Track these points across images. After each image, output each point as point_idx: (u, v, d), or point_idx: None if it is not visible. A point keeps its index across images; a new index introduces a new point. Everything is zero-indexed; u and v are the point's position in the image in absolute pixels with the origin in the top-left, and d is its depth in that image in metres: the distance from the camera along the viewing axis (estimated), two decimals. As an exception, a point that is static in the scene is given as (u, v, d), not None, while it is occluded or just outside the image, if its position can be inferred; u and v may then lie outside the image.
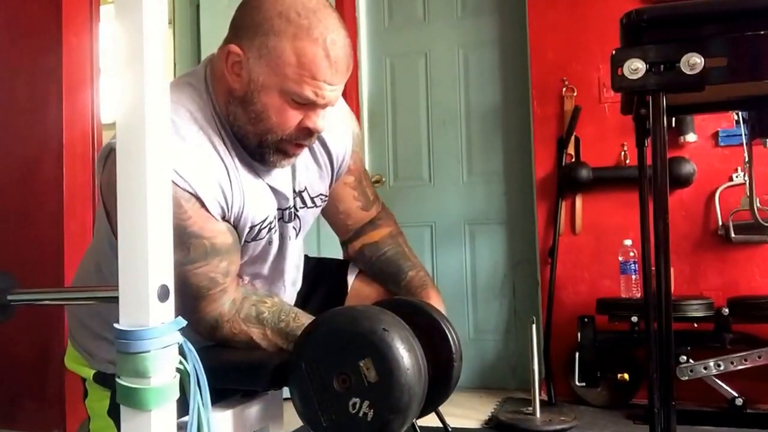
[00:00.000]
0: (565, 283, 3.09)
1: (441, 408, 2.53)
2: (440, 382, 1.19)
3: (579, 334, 2.83)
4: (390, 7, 3.63)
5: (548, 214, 3.15)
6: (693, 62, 1.30)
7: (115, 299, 0.72)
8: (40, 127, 2.65)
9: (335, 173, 1.34)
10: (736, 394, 2.59)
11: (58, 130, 2.62)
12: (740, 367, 2.52)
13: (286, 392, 1.22)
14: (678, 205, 2.92)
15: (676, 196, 2.93)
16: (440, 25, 3.53)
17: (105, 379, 1.24)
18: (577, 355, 2.84)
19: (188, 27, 3.32)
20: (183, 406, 0.77)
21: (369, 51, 3.65)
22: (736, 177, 2.87)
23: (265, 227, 1.21)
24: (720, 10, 1.36)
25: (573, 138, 3.08)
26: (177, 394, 0.75)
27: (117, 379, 0.72)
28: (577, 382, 2.84)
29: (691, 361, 2.56)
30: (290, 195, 1.26)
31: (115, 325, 0.72)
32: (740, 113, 2.39)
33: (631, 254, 2.84)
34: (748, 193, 2.50)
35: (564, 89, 3.13)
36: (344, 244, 1.47)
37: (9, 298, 0.96)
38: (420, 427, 2.38)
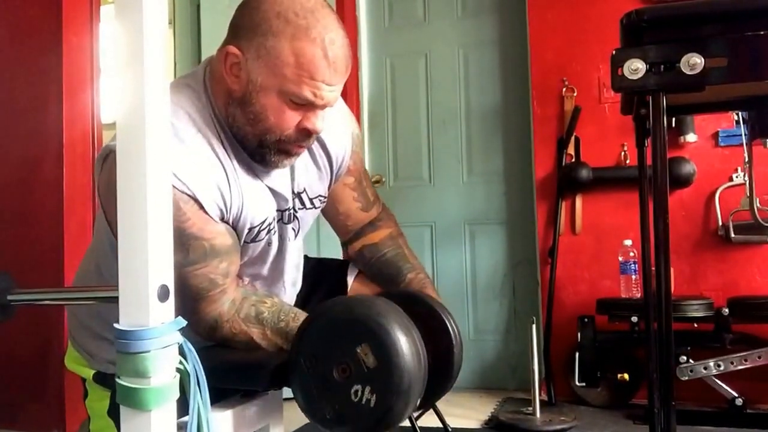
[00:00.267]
0: (565, 283, 3.09)
1: (441, 408, 2.54)
2: (441, 372, 1.18)
3: (579, 334, 2.83)
4: (390, 7, 3.63)
5: (548, 214, 3.15)
6: (693, 62, 1.30)
7: (115, 299, 0.72)
8: (41, 127, 2.65)
9: (334, 174, 1.34)
10: (736, 394, 2.59)
11: (58, 130, 2.62)
12: (740, 367, 2.52)
13: (286, 392, 1.22)
14: (678, 205, 2.92)
15: (676, 196, 2.93)
16: (440, 25, 3.53)
17: (105, 379, 1.24)
18: (577, 355, 2.84)
19: (188, 27, 3.32)
20: (183, 406, 0.77)
21: (369, 51, 3.65)
22: (736, 177, 2.87)
23: (264, 229, 1.21)
24: (720, 10, 1.36)
25: (573, 138, 3.08)
26: (177, 394, 0.75)
27: (117, 379, 0.72)
28: (577, 382, 2.84)
29: (691, 361, 2.56)
30: (289, 196, 1.25)
31: (115, 325, 0.72)
32: (740, 113, 2.39)
33: (631, 254, 2.84)
34: (748, 194, 2.50)
35: (564, 89, 3.13)
36: (344, 244, 1.47)
37: (9, 298, 0.96)
38: (420, 427, 2.38)
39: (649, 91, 1.35)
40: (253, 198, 1.17)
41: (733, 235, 2.79)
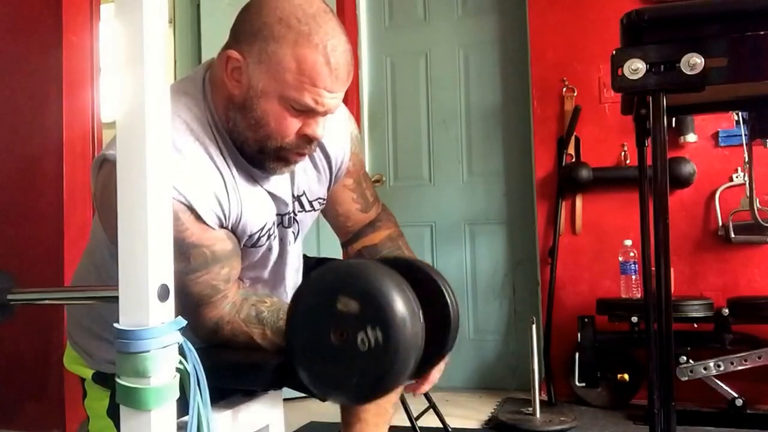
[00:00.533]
0: (565, 283, 3.09)
1: (441, 408, 2.54)
2: (439, 337, 1.16)
3: (579, 335, 2.83)
4: (390, 6, 3.63)
5: (548, 214, 3.15)
6: (693, 62, 1.31)
7: (115, 299, 0.72)
8: (40, 126, 2.65)
9: (334, 177, 1.33)
10: (736, 395, 2.59)
11: (58, 129, 2.62)
12: (740, 368, 2.52)
13: (286, 392, 1.22)
14: (678, 206, 2.92)
15: (677, 196, 2.93)
16: (440, 25, 3.53)
17: (104, 379, 1.24)
18: (577, 355, 2.84)
19: (188, 26, 3.32)
20: (183, 406, 0.77)
21: (369, 51, 3.65)
22: (736, 177, 2.87)
23: (264, 234, 1.21)
24: (720, 10, 1.36)
25: (573, 138, 3.08)
26: (177, 394, 0.75)
27: (117, 379, 0.72)
28: (577, 383, 2.84)
29: (691, 361, 2.56)
30: (289, 200, 1.25)
31: (115, 325, 0.71)
32: (740, 113, 2.40)
33: (631, 254, 2.84)
34: (748, 194, 2.50)
35: (564, 89, 3.13)
36: (344, 245, 1.47)
37: (9, 297, 0.96)
38: (420, 427, 2.38)
39: (649, 91, 1.36)
40: (253, 204, 1.17)
41: (733, 236, 2.79)
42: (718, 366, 2.53)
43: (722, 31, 1.33)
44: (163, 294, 0.72)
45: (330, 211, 1.40)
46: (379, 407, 1.34)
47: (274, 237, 1.24)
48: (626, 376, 2.76)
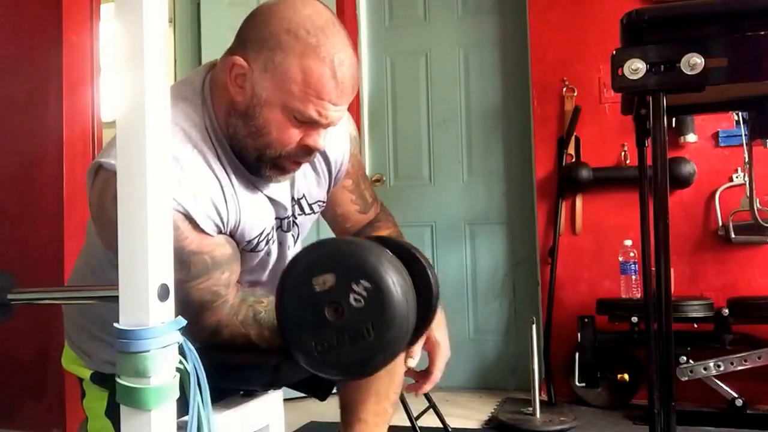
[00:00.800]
0: (565, 283, 3.09)
1: (441, 408, 2.54)
2: (423, 308, 1.15)
3: (579, 335, 2.83)
4: (390, 6, 3.63)
5: (548, 214, 3.15)
6: (693, 62, 1.31)
7: (115, 299, 0.72)
8: (40, 126, 2.65)
9: (333, 179, 1.33)
10: (736, 395, 2.59)
11: (58, 129, 2.62)
12: (740, 368, 2.52)
13: (286, 392, 1.22)
14: (678, 206, 2.92)
15: (677, 196, 2.93)
16: (441, 24, 3.53)
17: (102, 380, 1.24)
18: (577, 355, 2.84)
19: (189, 25, 3.32)
20: (183, 406, 0.77)
21: (369, 50, 3.65)
22: (736, 177, 2.87)
23: (263, 239, 1.20)
24: (720, 10, 1.36)
25: (573, 138, 3.08)
26: (177, 394, 0.75)
27: (117, 379, 0.72)
28: (577, 383, 2.84)
29: (691, 361, 2.56)
30: (288, 204, 1.25)
31: (115, 325, 0.71)
32: (740, 113, 2.40)
33: (631, 254, 2.84)
34: (748, 194, 2.50)
35: (564, 89, 3.13)
36: None
37: (9, 297, 0.96)
38: (420, 427, 2.38)
39: (650, 91, 1.36)
40: (251, 210, 1.17)
41: (733, 236, 2.79)
42: (718, 366, 2.53)
43: (722, 31, 1.33)
44: (163, 294, 0.72)
45: (329, 212, 1.40)
46: (378, 407, 1.34)
47: (273, 241, 1.24)
48: (626, 376, 2.76)
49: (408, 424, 2.35)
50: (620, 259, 2.87)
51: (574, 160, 3.09)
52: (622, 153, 3.04)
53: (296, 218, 1.29)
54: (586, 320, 2.82)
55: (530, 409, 2.68)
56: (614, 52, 1.38)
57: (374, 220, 1.45)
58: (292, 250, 1.31)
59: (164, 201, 0.73)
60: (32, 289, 1.02)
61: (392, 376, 1.34)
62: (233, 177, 1.15)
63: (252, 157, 1.14)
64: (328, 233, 1.50)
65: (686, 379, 2.55)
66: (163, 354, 0.72)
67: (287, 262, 1.29)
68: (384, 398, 1.34)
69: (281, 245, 1.27)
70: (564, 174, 3.06)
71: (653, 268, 1.45)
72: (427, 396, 2.44)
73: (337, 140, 1.30)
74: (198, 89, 1.17)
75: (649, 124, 1.37)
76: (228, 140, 1.15)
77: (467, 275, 3.42)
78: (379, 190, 3.46)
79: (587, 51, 3.09)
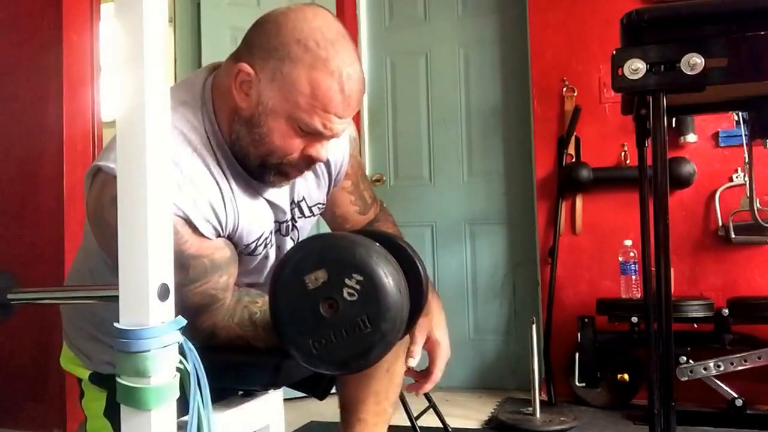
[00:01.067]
0: (565, 283, 3.09)
1: (441, 408, 2.54)
2: (414, 302, 1.16)
3: (579, 335, 2.83)
4: (390, 6, 3.63)
5: (548, 214, 3.15)
6: (693, 62, 1.31)
7: (115, 298, 0.72)
8: (41, 125, 2.65)
9: (333, 181, 1.33)
10: (736, 395, 2.59)
11: (58, 128, 2.62)
12: (740, 368, 2.52)
13: (286, 392, 1.22)
14: (678, 206, 2.92)
15: (677, 196, 2.93)
16: (441, 24, 3.53)
17: (101, 380, 1.24)
18: (577, 355, 2.84)
19: (189, 25, 3.32)
20: (183, 406, 0.77)
21: (369, 50, 3.65)
22: (736, 177, 2.87)
23: (261, 243, 1.20)
24: (720, 10, 1.36)
25: (573, 138, 3.08)
26: (177, 394, 0.75)
27: (117, 379, 0.72)
28: (577, 383, 2.84)
29: (690, 361, 2.56)
30: (287, 207, 1.25)
31: (116, 325, 0.71)
32: (740, 114, 2.40)
33: (632, 254, 2.84)
34: (748, 194, 2.50)
35: (564, 89, 3.13)
36: None
37: (9, 297, 0.96)
38: (420, 427, 2.38)
39: (650, 92, 1.36)
40: (250, 215, 1.17)
41: (733, 236, 2.79)
42: (718, 366, 2.53)
43: (722, 31, 1.33)
44: (163, 293, 0.72)
45: (328, 213, 1.40)
46: (378, 407, 1.34)
47: (271, 245, 1.24)
48: (626, 376, 2.76)
49: (408, 423, 2.35)
50: (620, 259, 2.87)
51: (574, 160, 3.09)
52: (622, 153, 3.04)
53: (296, 221, 1.28)
54: (586, 320, 2.82)
55: (530, 409, 2.68)
56: (614, 52, 1.38)
57: (374, 221, 1.45)
58: None
59: (164, 200, 0.73)
60: (32, 289, 1.02)
61: (392, 376, 1.34)
62: (232, 181, 1.15)
63: (255, 164, 1.14)
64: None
65: (686, 379, 2.55)
66: (164, 354, 0.72)
67: None
68: (384, 398, 1.34)
69: (279, 249, 1.27)
70: (564, 174, 3.06)
71: (653, 268, 1.45)
72: (427, 396, 2.44)
73: (337, 143, 1.30)
74: (198, 93, 1.16)
75: (649, 124, 1.37)
76: (229, 145, 1.14)
77: (467, 275, 3.42)
78: (379, 190, 3.46)
79: (587, 51, 3.09)
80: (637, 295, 2.78)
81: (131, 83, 0.72)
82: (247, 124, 1.11)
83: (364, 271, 0.97)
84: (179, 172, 1.07)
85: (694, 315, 2.59)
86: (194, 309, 1.12)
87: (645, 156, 1.79)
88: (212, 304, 1.13)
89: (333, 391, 1.37)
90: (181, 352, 0.76)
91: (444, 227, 3.47)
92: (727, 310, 2.60)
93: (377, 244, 1.02)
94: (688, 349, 2.60)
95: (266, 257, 1.25)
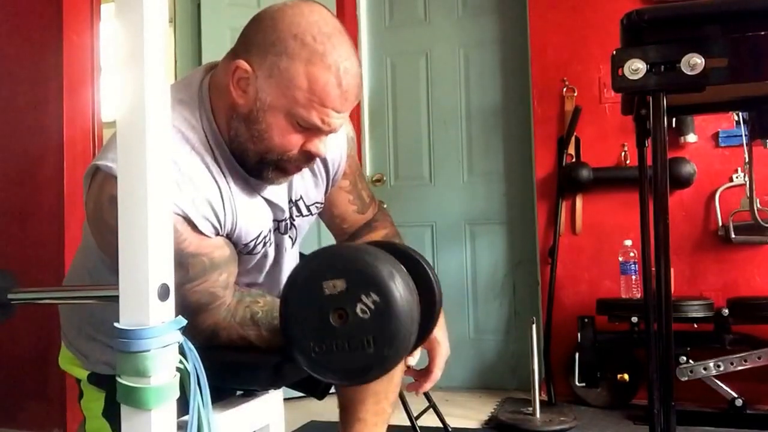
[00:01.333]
0: (565, 283, 3.09)
1: (441, 408, 2.54)
2: (425, 317, 1.15)
3: (579, 335, 2.84)
4: (391, 6, 3.63)
5: (548, 214, 3.15)
6: (693, 63, 1.31)
7: (116, 298, 0.72)
8: (41, 125, 2.65)
9: (331, 180, 1.33)
10: (736, 395, 2.59)
11: (58, 128, 2.62)
12: (740, 368, 2.52)
13: (286, 392, 1.22)
14: (678, 206, 2.92)
15: (677, 196, 2.93)
16: (441, 24, 3.53)
17: (99, 380, 1.24)
18: (577, 355, 2.84)
19: (189, 25, 3.32)
20: (183, 406, 0.77)
21: (369, 50, 3.65)
22: (737, 178, 2.87)
23: (260, 242, 1.20)
24: (720, 10, 1.36)
25: (573, 138, 3.08)
26: (177, 394, 0.75)
27: (117, 378, 0.72)
28: (577, 383, 2.84)
29: (690, 361, 2.56)
30: (286, 206, 1.25)
31: (116, 325, 0.72)
32: (740, 114, 2.40)
33: (632, 254, 2.84)
34: (748, 194, 2.50)
35: (564, 89, 3.13)
36: None
37: (9, 296, 0.96)
38: (420, 427, 2.38)
39: (650, 92, 1.36)
40: (248, 213, 1.17)
41: (733, 236, 2.79)
42: (718, 366, 2.53)
43: (722, 31, 1.33)
44: (163, 293, 0.72)
45: (326, 212, 1.40)
46: (378, 407, 1.34)
47: (270, 244, 1.24)
48: (626, 376, 2.76)
49: (408, 423, 2.35)
50: (620, 259, 2.87)
51: (574, 160, 3.09)
52: (622, 153, 3.04)
53: (294, 220, 1.28)
54: (586, 320, 2.82)
55: (530, 409, 2.68)
56: (614, 52, 1.38)
57: (372, 220, 1.45)
58: (290, 252, 1.30)
59: (165, 200, 0.73)
60: (32, 289, 1.02)
61: (391, 376, 1.34)
62: (230, 180, 1.15)
63: (253, 161, 1.14)
64: (328, 234, 1.50)
65: (686, 379, 2.55)
66: (164, 354, 0.72)
67: (284, 265, 1.29)
68: (383, 398, 1.34)
69: (278, 247, 1.27)
70: (564, 174, 3.06)
71: (653, 268, 1.45)
72: (426, 395, 2.44)
73: (334, 142, 1.30)
74: (195, 91, 1.16)
75: (649, 124, 1.37)
76: (228, 143, 1.14)
77: (467, 275, 3.42)
78: (379, 190, 3.46)
79: (587, 51, 3.09)
80: (637, 295, 2.78)
81: (131, 83, 0.72)
82: (246, 121, 1.11)
83: (383, 293, 0.96)
84: (178, 170, 1.07)
85: (694, 315, 2.59)
86: (194, 307, 1.12)
87: (645, 156, 1.79)
88: (212, 302, 1.13)
89: (332, 390, 1.37)
90: (181, 352, 0.76)
91: (444, 227, 3.47)
92: (727, 310, 2.60)
93: (403, 268, 1.01)
94: (688, 349, 2.60)
95: (265, 256, 1.25)
